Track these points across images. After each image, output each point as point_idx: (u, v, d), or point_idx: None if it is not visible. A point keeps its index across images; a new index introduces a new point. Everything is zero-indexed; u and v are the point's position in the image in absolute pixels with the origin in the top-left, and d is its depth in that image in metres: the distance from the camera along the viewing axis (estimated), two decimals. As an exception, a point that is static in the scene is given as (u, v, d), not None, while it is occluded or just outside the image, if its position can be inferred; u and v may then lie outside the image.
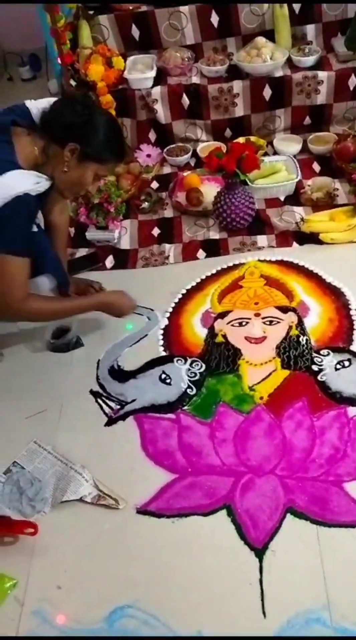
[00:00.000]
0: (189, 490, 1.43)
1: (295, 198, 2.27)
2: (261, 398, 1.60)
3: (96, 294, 1.83)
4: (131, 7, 2.48)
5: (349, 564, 1.26)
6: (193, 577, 1.28)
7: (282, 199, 2.29)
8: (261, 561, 1.29)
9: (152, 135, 2.59)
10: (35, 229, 1.59)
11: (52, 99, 1.56)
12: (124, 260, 2.12)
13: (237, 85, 2.42)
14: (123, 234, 2.22)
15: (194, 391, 1.64)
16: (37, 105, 1.53)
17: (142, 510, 1.40)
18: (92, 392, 1.68)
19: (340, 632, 1.16)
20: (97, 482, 1.46)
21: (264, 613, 1.21)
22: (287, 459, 1.46)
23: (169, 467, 1.48)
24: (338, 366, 1.65)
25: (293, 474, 1.43)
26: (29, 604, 1.27)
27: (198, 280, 1.99)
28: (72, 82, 2.47)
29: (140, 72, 2.45)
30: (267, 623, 1.19)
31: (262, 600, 1.23)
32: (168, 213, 2.31)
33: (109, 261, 2.12)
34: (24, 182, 1.43)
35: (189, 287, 1.97)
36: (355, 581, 1.23)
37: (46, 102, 1.55)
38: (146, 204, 2.32)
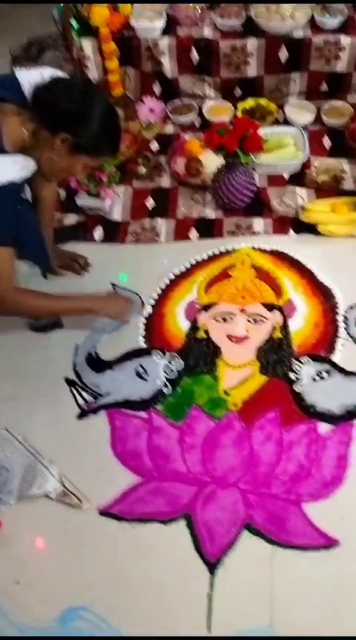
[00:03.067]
0: (152, 495, 1.46)
1: (299, 178, 2.16)
2: (235, 405, 1.60)
3: (91, 298, 1.74)
4: None
5: (296, 586, 1.31)
6: (147, 585, 1.34)
7: (286, 177, 2.18)
8: (213, 576, 1.34)
9: (156, 88, 2.42)
10: (18, 208, 1.53)
11: (45, 71, 1.44)
12: (114, 233, 2.05)
13: (251, 44, 2.23)
14: (115, 202, 2.13)
15: (170, 390, 1.64)
16: (29, 79, 1.41)
17: (105, 512, 1.44)
18: (67, 381, 1.68)
19: (277, 656, 1.22)
20: (63, 479, 1.49)
21: (209, 627, 1.27)
22: (252, 472, 1.48)
23: (136, 469, 1.51)
24: (316, 377, 1.64)
25: (255, 489, 1.46)
26: (-13, 597, 1.34)
27: (188, 265, 1.93)
28: (74, 23, 2.28)
29: (148, 19, 2.24)
30: (210, 638, 1.26)
31: (209, 614, 1.29)
32: (165, 182, 2.20)
33: (98, 233, 2.05)
34: (9, 170, 1.36)
35: (176, 271, 1.92)
36: (299, 604, 1.29)
37: (39, 74, 1.42)
38: (143, 169, 2.21)
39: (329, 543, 1.37)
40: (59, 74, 1.47)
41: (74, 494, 1.46)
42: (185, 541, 1.39)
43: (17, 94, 1.41)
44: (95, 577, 1.35)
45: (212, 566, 1.35)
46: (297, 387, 1.62)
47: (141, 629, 1.27)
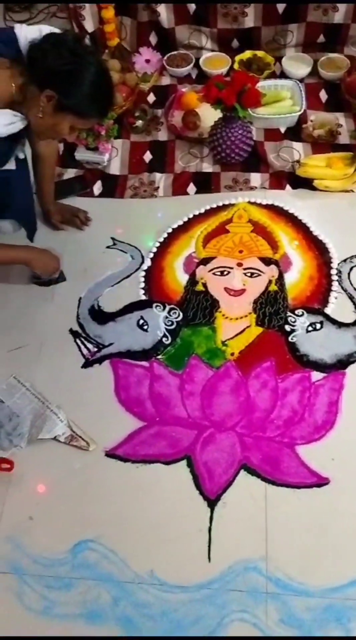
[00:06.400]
0: (155, 438, 1.55)
1: (296, 132, 2.18)
2: (232, 354, 1.68)
3: (22, 248, 1.75)
4: None
5: (289, 521, 1.42)
6: (150, 520, 1.43)
7: (283, 130, 2.20)
8: (212, 511, 1.44)
9: (153, 39, 2.41)
10: (13, 166, 1.55)
11: (44, 28, 1.44)
12: (113, 187, 2.08)
13: (249, -6, 2.21)
14: (113, 156, 2.15)
15: (169, 340, 1.71)
16: (26, 35, 1.40)
17: (110, 454, 1.53)
18: (71, 332, 1.74)
19: (272, 581, 1.34)
20: (71, 423, 1.57)
21: (209, 558, 1.38)
22: (248, 417, 1.57)
23: (139, 415, 1.59)
24: (310, 328, 1.71)
25: (251, 432, 1.55)
26: (3, 531, 1.43)
27: (185, 219, 1.97)
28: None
29: (144, -34, 2.21)
30: (211, 567, 1.36)
31: (209, 546, 1.39)
32: (162, 136, 2.22)
33: (97, 187, 2.07)
34: None
35: (175, 226, 1.96)
36: (292, 538, 1.39)
37: (37, 30, 1.42)
38: (139, 122, 2.22)
39: (320, 481, 1.46)
40: (54, 30, 1.46)
41: (81, 437, 1.55)
42: (186, 480, 1.48)
43: (12, 49, 1.40)
44: (102, 514, 1.45)
45: (211, 502, 1.45)
46: (292, 338, 1.69)
47: (145, 558, 1.38)
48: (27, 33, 1.41)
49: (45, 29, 1.44)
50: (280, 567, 1.36)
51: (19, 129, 1.44)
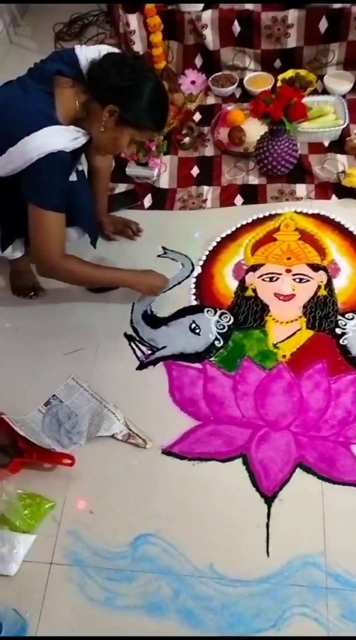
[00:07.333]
0: (210, 437, 1.58)
1: (340, 144, 2.23)
2: (284, 356, 1.70)
3: (127, 271, 1.79)
4: None
5: (347, 518, 1.42)
6: (208, 516, 1.46)
7: (326, 144, 2.25)
8: (269, 507, 1.45)
9: (198, 61, 2.51)
10: (74, 177, 1.63)
11: (103, 48, 1.53)
12: (162, 200, 2.15)
13: (292, 15, 2.29)
14: (162, 172, 2.23)
15: (222, 343, 1.75)
16: (86, 55, 1.50)
17: (167, 451, 1.57)
18: (126, 335, 1.80)
19: (332, 576, 1.34)
20: (127, 422, 1.61)
21: (268, 553, 1.39)
22: (302, 417, 1.59)
23: (193, 414, 1.63)
24: (361, 331, 1.73)
25: (306, 431, 1.57)
26: (65, 524, 1.47)
27: (233, 228, 2.03)
28: (120, -1, 2.36)
29: (192, -7, 2.32)
30: (270, 562, 1.38)
31: (267, 542, 1.41)
32: (209, 151, 2.30)
33: (147, 200, 2.15)
34: (60, 139, 1.44)
35: (224, 235, 2.02)
36: (350, 534, 1.40)
37: (96, 50, 1.52)
38: (187, 139, 2.30)
39: (376, 480, 1.47)
40: (114, 51, 1.56)
41: (138, 435, 1.59)
42: (242, 477, 1.50)
43: (74, 69, 1.50)
44: (160, 509, 1.48)
45: (268, 499, 1.47)
46: (343, 341, 1.71)
47: (204, 553, 1.40)
48: (87, 53, 1.51)
49: (103, 48, 1.54)
50: (340, 562, 1.36)
51: (81, 144, 1.53)
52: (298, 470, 1.51)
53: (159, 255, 1.99)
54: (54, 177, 1.48)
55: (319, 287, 1.84)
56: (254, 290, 1.86)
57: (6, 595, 1.37)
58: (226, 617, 1.31)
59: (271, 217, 2.05)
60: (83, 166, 1.74)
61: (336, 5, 2.26)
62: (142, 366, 1.74)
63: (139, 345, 1.78)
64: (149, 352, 1.76)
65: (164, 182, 2.21)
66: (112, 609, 1.35)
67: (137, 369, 1.73)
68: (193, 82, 2.50)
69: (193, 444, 1.57)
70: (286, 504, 1.46)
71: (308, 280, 1.86)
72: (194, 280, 1.91)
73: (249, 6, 2.32)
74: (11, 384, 1.73)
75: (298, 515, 1.44)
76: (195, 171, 2.23)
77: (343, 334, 1.73)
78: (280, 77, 2.43)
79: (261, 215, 2.06)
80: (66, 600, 1.37)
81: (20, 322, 1.88)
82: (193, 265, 1.95)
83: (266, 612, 1.31)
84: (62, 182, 1.52)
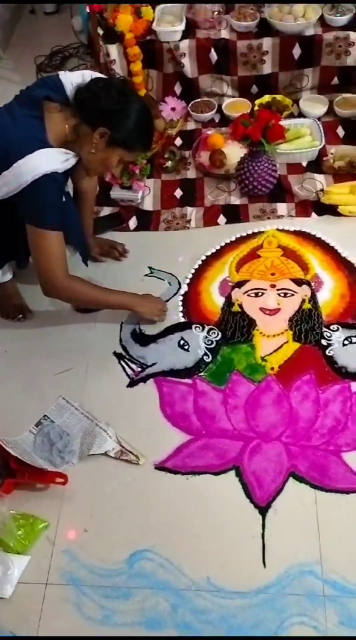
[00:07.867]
0: (202, 450, 1.59)
1: (317, 165, 2.30)
2: (272, 369, 1.73)
3: (126, 294, 1.82)
4: None
5: (341, 525, 1.43)
6: (203, 529, 1.46)
7: (304, 164, 2.32)
8: (263, 518, 1.46)
9: (177, 88, 2.58)
10: (63, 199, 1.67)
11: (86, 73, 1.59)
12: (147, 221, 2.20)
13: (267, 43, 2.38)
14: (146, 194, 2.28)
15: (210, 358, 1.77)
16: (71, 80, 1.56)
17: (160, 467, 1.57)
18: (115, 354, 1.81)
19: (329, 584, 1.34)
20: (120, 439, 1.62)
21: (264, 563, 1.39)
22: (292, 427, 1.61)
23: (185, 429, 1.64)
24: (346, 342, 1.77)
25: (297, 441, 1.58)
26: (59, 544, 1.46)
27: (218, 247, 2.07)
28: (100, 31, 2.44)
29: (169, 23, 2.41)
30: (266, 572, 1.38)
31: (263, 552, 1.41)
32: (191, 174, 2.35)
33: (133, 222, 2.19)
34: (53, 160, 1.50)
35: (208, 253, 2.06)
36: (345, 541, 1.41)
37: (80, 75, 1.58)
38: (169, 163, 2.36)
39: (369, 486, 1.49)
40: (98, 75, 1.62)
41: (131, 452, 1.59)
42: (235, 489, 1.51)
43: (60, 94, 1.56)
44: (155, 524, 1.47)
45: (262, 509, 1.47)
46: (329, 352, 1.75)
47: (201, 566, 1.39)
48: (71, 78, 1.58)
49: (87, 73, 1.60)
50: (336, 569, 1.37)
51: (71, 165, 1.57)
52: (291, 479, 1.52)
53: (146, 275, 2.02)
54: (50, 197, 1.53)
55: (303, 300, 1.88)
56: (240, 306, 1.89)
57: (1, 617, 1.35)
58: (225, 629, 1.31)
59: (254, 235, 2.10)
60: (69, 188, 1.78)
61: (308, 33, 2.36)
62: (132, 383, 1.75)
63: (129, 363, 1.79)
64: (139, 369, 1.77)
65: (148, 204, 2.25)
66: (109, 627, 1.33)
67: (127, 386, 1.74)
68: (173, 109, 2.57)
69: (185, 458, 1.58)
70: (281, 514, 1.46)
71: (292, 295, 1.90)
72: (181, 298, 1.94)
73: (224, 34, 2.41)
74: (2, 406, 1.72)
75: (292, 524, 1.45)
76: (178, 193, 2.29)
77: (329, 345, 1.76)
78: (257, 102, 2.51)
79: (244, 234, 2.11)
80: (62, 621, 1.35)
81: (8, 344, 1.88)
82: (179, 283, 1.98)
83: (264, 622, 1.31)
84: (58, 201, 1.56)
